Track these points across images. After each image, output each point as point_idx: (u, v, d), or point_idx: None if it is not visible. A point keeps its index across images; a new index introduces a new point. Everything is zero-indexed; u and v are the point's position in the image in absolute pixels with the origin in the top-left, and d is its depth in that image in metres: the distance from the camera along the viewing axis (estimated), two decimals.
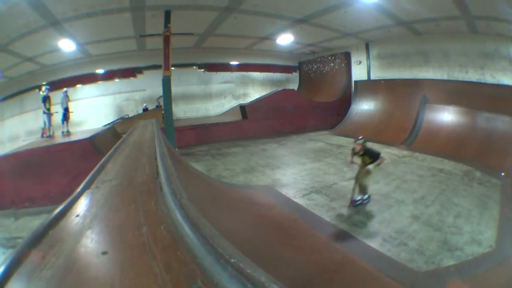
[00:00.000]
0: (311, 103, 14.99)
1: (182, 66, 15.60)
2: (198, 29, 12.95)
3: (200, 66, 17.90)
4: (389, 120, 12.34)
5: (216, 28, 12.91)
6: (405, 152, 9.78)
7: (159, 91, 12.90)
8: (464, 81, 11.11)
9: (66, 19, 10.42)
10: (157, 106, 16.06)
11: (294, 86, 19.97)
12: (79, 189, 2.02)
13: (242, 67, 18.83)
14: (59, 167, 7.46)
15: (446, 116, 10.58)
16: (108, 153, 3.23)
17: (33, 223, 6.27)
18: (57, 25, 10.79)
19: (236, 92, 18.79)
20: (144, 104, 17.08)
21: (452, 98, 10.83)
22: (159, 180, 2.06)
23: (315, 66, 18.65)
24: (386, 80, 13.85)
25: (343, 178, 7.05)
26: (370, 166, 5.01)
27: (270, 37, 14.51)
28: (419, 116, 11.28)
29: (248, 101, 15.70)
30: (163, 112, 11.96)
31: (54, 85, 13.94)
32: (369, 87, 14.48)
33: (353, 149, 5.30)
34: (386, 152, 9.31)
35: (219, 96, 18.36)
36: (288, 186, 6.66)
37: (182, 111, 17.18)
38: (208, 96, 18.21)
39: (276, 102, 14.06)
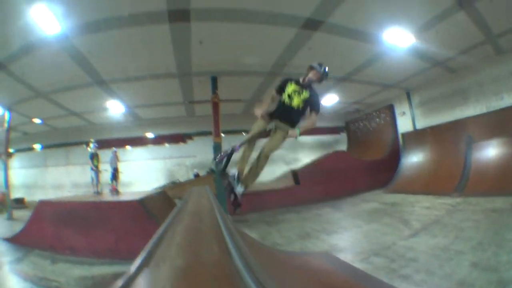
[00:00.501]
0: (361, 162, 14.61)
1: (232, 133, 15.92)
2: (246, 95, 13.37)
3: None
4: (438, 169, 11.72)
5: (262, 94, 13.18)
6: (458, 200, 9.22)
7: (209, 157, 12.96)
8: (502, 108, 10.65)
9: (113, 80, 11.04)
10: (208, 172, 16.16)
11: (343, 146, 19.80)
12: (136, 265, 1.82)
13: None
14: (106, 223, 7.53)
15: (491, 151, 10.07)
16: (166, 222, 3.03)
17: (71, 271, 6.42)
18: (103, 85, 11.43)
19: (286, 157, 18.65)
20: (195, 170, 17.40)
21: (493, 131, 10.34)
22: (233, 262, 1.81)
23: (361, 124, 18.47)
24: (431, 128, 13.38)
25: (401, 237, 6.66)
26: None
27: None
28: (467, 159, 10.68)
29: (299, 166, 15.53)
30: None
31: (103, 144, 14.63)
32: (415, 137, 14.00)
33: None
34: (440, 203, 8.97)
35: (270, 162, 18.31)
36: (345, 250, 6.36)
37: None
38: None
39: (328, 165, 13.80)
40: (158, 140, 18.49)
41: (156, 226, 6.86)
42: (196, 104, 13.90)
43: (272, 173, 17.00)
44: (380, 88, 13.84)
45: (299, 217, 10.18)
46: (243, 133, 17.79)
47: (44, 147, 20.83)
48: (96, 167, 10.62)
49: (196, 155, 18.05)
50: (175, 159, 18.48)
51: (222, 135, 11.48)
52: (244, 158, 4.32)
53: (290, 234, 7.96)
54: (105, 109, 14.39)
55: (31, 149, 21.25)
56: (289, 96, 4.29)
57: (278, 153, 16.75)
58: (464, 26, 8.25)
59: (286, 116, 4.45)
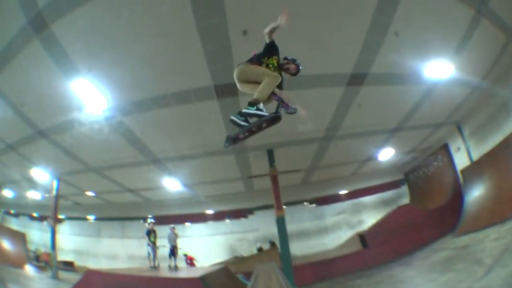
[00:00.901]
0: (426, 212, 13.79)
1: (293, 204, 15.70)
2: (303, 164, 13.28)
3: (310, 201, 17.96)
4: (500, 194, 10.60)
5: (320, 160, 13.13)
6: None
7: (272, 230, 13.02)
8: None
9: (168, 159, 11.28)
10: (271, 245, 15.86)
11: (406, 200, 18.78)
12: None
13: (352, 195, 18.50)
14: None
15: None
16: None
17: None
18: (158, 163, 11.73)
19: (350, 221, 18.15)
20: (258, 244, 17.14)
21: None
22: None
23: (420, 172, 17.64)
24: (485, 155, 12.29)
25: (476, 279, 6.38)
26: None
27: (372, 157, 14.44)
28: None
29: (365, 228, 15.12)
30: (279, 251, 11.75)
31: (161, 219, 14.83)
32: (473, 170, 13.01)
33: None
34: (507, 229, 8.37)
35: (335, 228, 17.91)
36: None
37: (297, 249, 16.40)
38: (323, 231, 17.86)
39: (393, 222, 13.22)
40: (218, 216, 18.58)
41: None
42: (254, 178, 13.83)
43: (338, 239, 16.32)
44: (432, 129, 13.29)
45: (371, 281, 9.65)
46: (304, 203, 17.57)
47: (98, 218, 21.73)
48: (153, 243, 10.63)
49: (259, 229, 17.81)
50: (236, 234, 18.40)
51: (284, 207, 11.24)
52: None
53: None
54: (162, 186, 14.76)
55: (85, 219, 22.19)
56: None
57: (342, 218, 17.21)
58: (488, 32, 7.86)
59: None
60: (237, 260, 15.40)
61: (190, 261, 15.06)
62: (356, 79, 8.02)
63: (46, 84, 7.67)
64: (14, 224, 27.61)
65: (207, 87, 7.45)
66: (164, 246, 10.95)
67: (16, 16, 5.91)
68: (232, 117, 3.59)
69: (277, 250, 12.98)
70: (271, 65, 3.70)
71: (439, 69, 8.69)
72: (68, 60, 6.77)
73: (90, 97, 7.89)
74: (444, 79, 9.21)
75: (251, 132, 3.64)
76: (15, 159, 13.40)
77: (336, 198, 18.08)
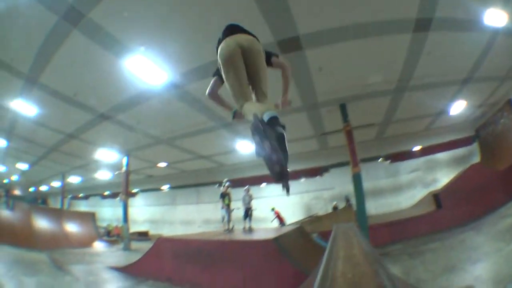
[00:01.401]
0: (496, 173, 12.56)
1: (367, 160, 15.12)
2: (377, 118, 12.75)
3: (384, 157, 17.30)
4: None
5: (393, 114, 12.53)
6: None
7: (348, 188, 12.90)
8: None
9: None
10: (347, 204, 15.62)
11: (476, 158, 17.23)
12: None
13: (425, 151, 17.31)
14: (235, 262, 7.40)
15: None
16: (321, 272, 2.58)
17: None
18: (228, 127, 11.90)
19: (424, 179, 17.09)
20: (335, 202, 16.91)
21: None
22: None
23: (490, 128, 15.99)
24: None
25: None
26: None
27: (444, 111, 13.50)
28: None
29: (439, 188, 14.09)
30: (354, 210, 11.62)
31: (236, 183, 15.19)
32: None
33: None
34: None
35: (409, 187, 17.00)
36: (488, 281, 5.60)
37: (372, 207, 15.95)
38: (398, 189, 17.07)
39: (466, 182, 12.18)
40: (293, 175, 18.49)
41: (290, 266, 6.52)
42: (328, 135, 13.61)
43: (412, 198, 15.70)
44: (498, 82, 11.85)
45: (444, 245, 9.07)
46: (378, 159, 16.96)
47: (172, 187, 23.09)
48: (227, 205, 10.80)
49: (334, 187, 17.58)
50: (311, 193, 18.31)
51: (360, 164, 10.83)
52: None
53: (435, 267, 7.15)
54: (234, 150, 15.04)
55: (159, 189, 23.72)
56: None
57: (416, 176, 16.36)
58: None
59: None
60: (312, 219, 15.21)
61: (278, 216, 15.39)
62: (422, 25, 7.31)
63: (97, 69, 7.88)
64: (84, 206, 30.51)
65: (269, 43, 7.07)
66: (238, 208, 11.12)
67: (45, 17, 6.02)
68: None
69: (353, 209, 12.70)
70: None
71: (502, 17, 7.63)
72: (116, 41, 6.82)
73: (149, 72, 7.95)
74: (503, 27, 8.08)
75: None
76: (78, 146, 14.41)
77: (410, 155, 17.13)
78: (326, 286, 2.30)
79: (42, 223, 14.22)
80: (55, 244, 13.18)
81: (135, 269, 8.89)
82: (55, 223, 14.83)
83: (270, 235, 7.71)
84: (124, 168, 15.84)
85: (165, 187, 23.63)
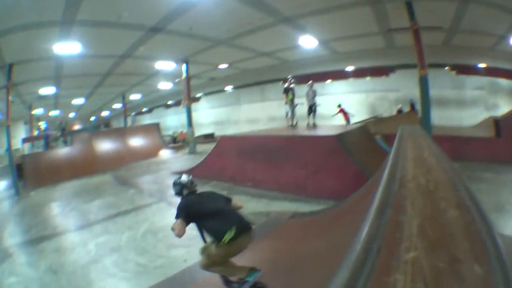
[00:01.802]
0: None
1: (434, 66, 13.68)
2: (444, 22, 11.44)
3: (451, 67, 15.72)
4: None
5: (459, 22, 11.30)
6: None
7: (413, 92, 12.22)
8: None
9: (298, 15, 10.72)
10: (411, 108, 14.91)
11: None
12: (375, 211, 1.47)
13: (491, 72, 15.58)
14: (297, 158, 7.38)
15: None
16: (387, 174, 2.47)
17: (246, 204, 6.59)
18: (288, 21, 11.27)
19: (487, 101, 15.70)
20: (399, 105, 16.19)
21: None
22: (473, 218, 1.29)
23: None
24: None
25: None
26: None
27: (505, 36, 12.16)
28: None
29: (500, 114, 12.93)
30: (418, 116, 11.16)
31: (300, 79, 14.94)
32: None
33: None
34: None
35: (472, 104, 15.71)
36: None
37: (436, 117, 15.02)
38: (461, 103, 15.80)
39: None
40: (359, 73, 17.72)
41: (351, 165, 6.45)
42: (395, 33, 12.57)
43: (474, 117, 14.43)
44: None
45: (497, 179, 8.10)
46: (445, 67, 15.21)
47: (236, 87, 23.17)
48: (291, 101, 10.66)
49: (399, 89, 16.65)
50: (377, 93, 17.61)
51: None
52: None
53: (487, 201, 6.11)
54: (297, 46, 14.38)
55: (222, 90, 24.02)
56: None
57: (480, 95, 15.51)
58: None
59: None
60: (376, 120, 14.97)
61: (343, 112, 15.04)
62: None
63: None
64: (148, 119, 32.19)
65: None
66: (302, 104, 10.97)
67: None
68: None
69: (417, 115, 12.25)
70: None
71: None
72: None
73: None
74: None
75: None
76: (134, 64, 14.69)
77: (476, 71, 15.54)
78: (393, 190, 2.18)
79: (105, 146, 15.28)
80: (120, 162, 14.15)
81: (199, 171, 9.14)
82: (119, 142, 15.86)
83: (334, 132, 7.57)
84: (184, 75, 16.00)
85: (229, 88, 23.75)
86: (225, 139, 9.62)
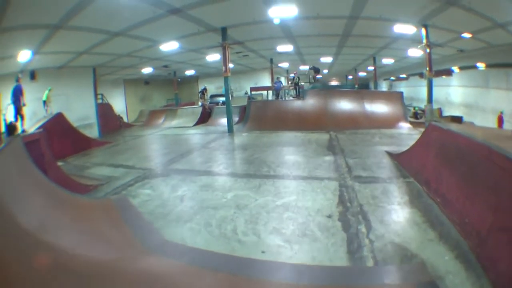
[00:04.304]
0: None
1: None
2: None
3: None
4: None
5: None
6: None
7: None
8: None
9: None
10: None
11: None
12: None
13: None
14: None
15: None
16: None
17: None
18: None
19: None
20: None
21: None
22: None
23: None
24: None
25: None
26: None
27: None
28: None
29: None
30: None
31: None
32: None
33: None
34: None
35: None
36: None
37: None
38: None
39: None
40: None
41: None
42: None
43: None
44: None
45: None
46: None
47: (488, 65, 18.27)
48: None
49: None
50: None
51: None
52: None
53: None
54: None
55: (472, 67, 19.43)
56: None
57: None
58: None
59: None
60: None
61: None
62: None
63: None
64: (403, 87, 29.82)
65: None
66: None
67: None
68: None
69: None
70: None
71: None
72: None
73: None
74: None
75: None
76: (368, 25, 13.62)
77: None
78: None
79: (339, 105, 15.12)
80: (353, 124, 13.60)
81: (405, 159, 7.55)
82: (356, 104, 15.19)
83: None
84: (424, 42, 13.52)
85: (480, 64, 18.83)
86: (433, 128, 7.28)
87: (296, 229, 4.20)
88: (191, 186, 6.53)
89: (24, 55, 12.06)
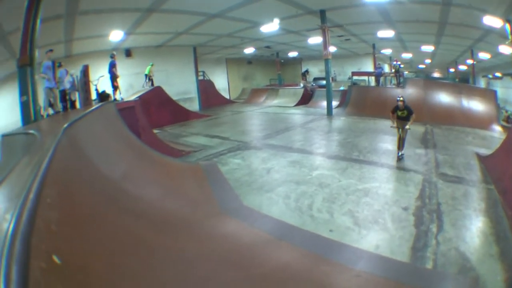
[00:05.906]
0: None
1: None
2: None
3: None
4: None
5: None
6: None
7: None
8: None
9: None
10: None
11: None
12: None
13: None
14: None
15: None
16: None
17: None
18: None
19: None
20: None
21: None
22: None
23: None
24: None
25: None
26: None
27: None
28: None
29: None
30: None
31: None
32: None
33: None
34: None
35: None
36: None
37: None
38: None
39: None
40: None
41: None
42: None
43: None
44: None
45: None
46: None
47: None
48: None
49: None
50: None
51: None
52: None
53: None
54: None
55: None
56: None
57: None
58: None
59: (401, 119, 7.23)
60: None
61: None
62: None
63: None
64: (499, 85, 26.64)
65: None
66: None
67: None
68: None
69: None
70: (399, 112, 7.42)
71: None
72: None
73: None
74: None
75: None
76: (462, 14, 12.50)
77: None
78: None
79: (437, 98, 14.62)
80: (449, 120, 13.03)
81: (489, 163, 6.96)
82: (454, 98, 14.54)
83: None
84: (510, 37, 11.62)
85: None
86: None
87: (370, 215, 4.34)
88: (281, 160, 6.96)
89: (115, 35, 12.96)
